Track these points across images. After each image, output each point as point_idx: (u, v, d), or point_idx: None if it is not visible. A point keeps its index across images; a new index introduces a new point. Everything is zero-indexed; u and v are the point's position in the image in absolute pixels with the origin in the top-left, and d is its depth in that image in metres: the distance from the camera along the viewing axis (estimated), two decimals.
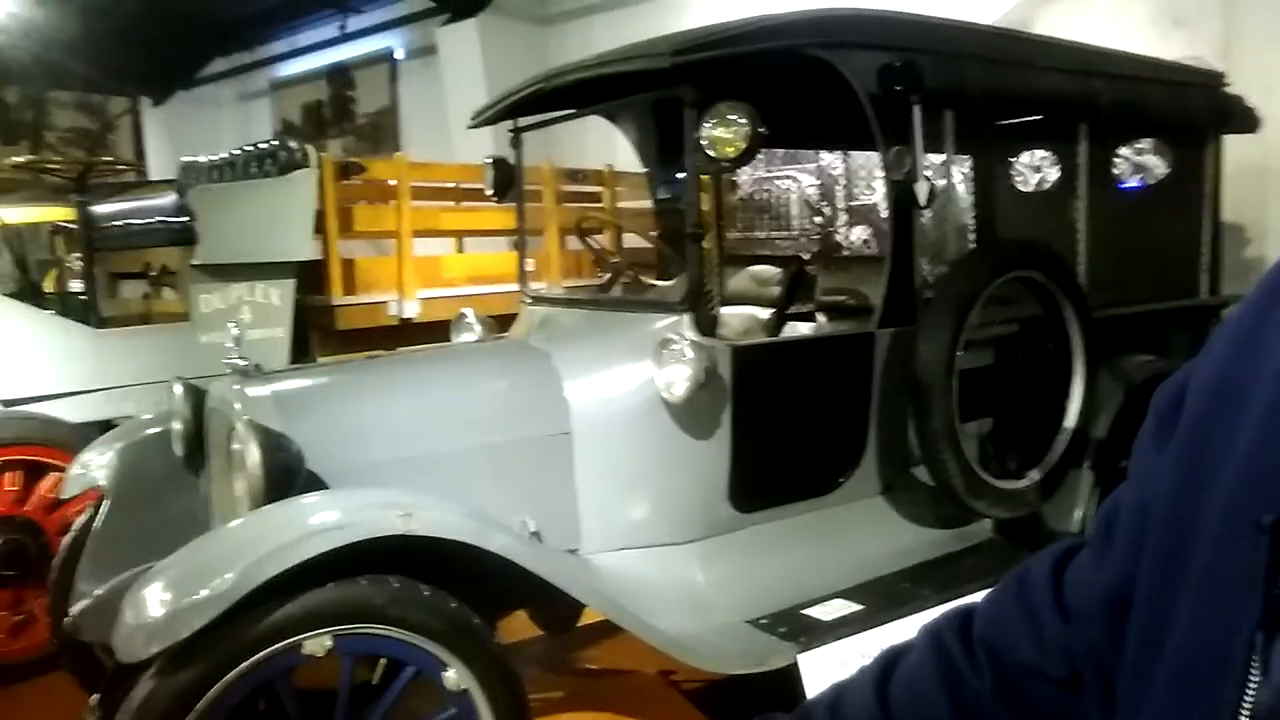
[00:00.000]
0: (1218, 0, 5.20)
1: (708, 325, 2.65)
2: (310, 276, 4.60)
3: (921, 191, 2.91)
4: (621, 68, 2.68)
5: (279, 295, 4.47)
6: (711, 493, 2.78)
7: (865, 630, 2.64)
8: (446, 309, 4.85)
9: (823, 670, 2.56)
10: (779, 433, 2.86)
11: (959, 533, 3.25)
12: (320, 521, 1.89)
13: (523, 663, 3.32)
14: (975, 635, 0.77)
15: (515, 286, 5.14)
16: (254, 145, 4.59)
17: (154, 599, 1.77)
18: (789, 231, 6.13)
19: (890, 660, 0.79)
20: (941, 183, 3.17)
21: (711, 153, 2.49)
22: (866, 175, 5.72)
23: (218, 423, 2.53)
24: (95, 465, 2.96)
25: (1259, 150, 4.54)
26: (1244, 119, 3.95)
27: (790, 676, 2.46)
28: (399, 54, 9.66)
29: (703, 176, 3.23)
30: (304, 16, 9.92)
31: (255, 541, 1.84)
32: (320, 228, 4.58)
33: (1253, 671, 0.44)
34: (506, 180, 3.50)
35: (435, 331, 4.74)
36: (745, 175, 6.46)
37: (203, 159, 4.83)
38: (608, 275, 3.54)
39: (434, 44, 8.43)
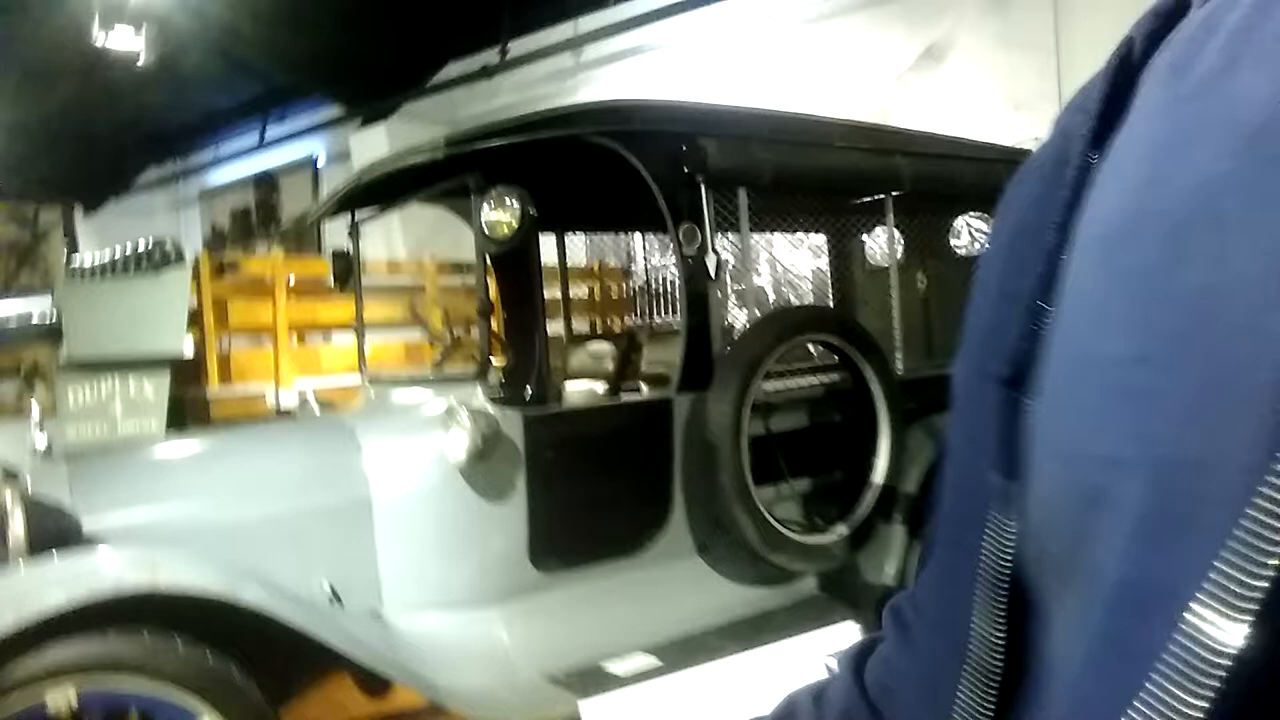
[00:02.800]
0: (1051, 86, 5.61)
1: (530, 394, 2.81)
2: (187, 369, 4.74)
3: (711, 264, 3.14)
4: (410, 161, 2.90)
5: (152, 389, 4.60)
6: (512, 554, 2.90)
7: (655, 679, 2.74)
8: (324, 398, 4.99)
9: (609, 718, 2.66)
10: (577, 495, 3.00)
11: (779, 591, 3.37)
12: (63, 574, 2.00)
13: None
14: None
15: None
16: (131, 244, 4.77)
17: None
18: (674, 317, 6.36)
19: (865, 645, 0.78)
20: (728, 258, 3.38)
21: (488, 233, 2.70)
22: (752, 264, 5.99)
23: None
24: None
25: None
26: None
27: None
28: (320, 160, 9.99)
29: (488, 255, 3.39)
30: (228, 125, 10.26)
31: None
32: (197, 322, 4.74)
33: (992, 515, 0.45)
34: (346, 271, 3.70)
35: None
36: (641, 264, 6.72)
37: (89, 261, 5.01)
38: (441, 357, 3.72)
39: (347, 150, 8.77)
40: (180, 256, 4.69)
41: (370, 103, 8.43)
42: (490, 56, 8.00)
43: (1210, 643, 0.29)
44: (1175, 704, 0.30)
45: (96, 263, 4.91)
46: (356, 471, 2.79)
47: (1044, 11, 5.65)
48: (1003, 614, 0.44)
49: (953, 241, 4.49)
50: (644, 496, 3.15)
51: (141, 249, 4.74)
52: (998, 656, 0.44)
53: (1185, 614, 0.30)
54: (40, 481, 2.42)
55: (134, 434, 4.54)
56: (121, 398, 4.57)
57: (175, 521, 2.51)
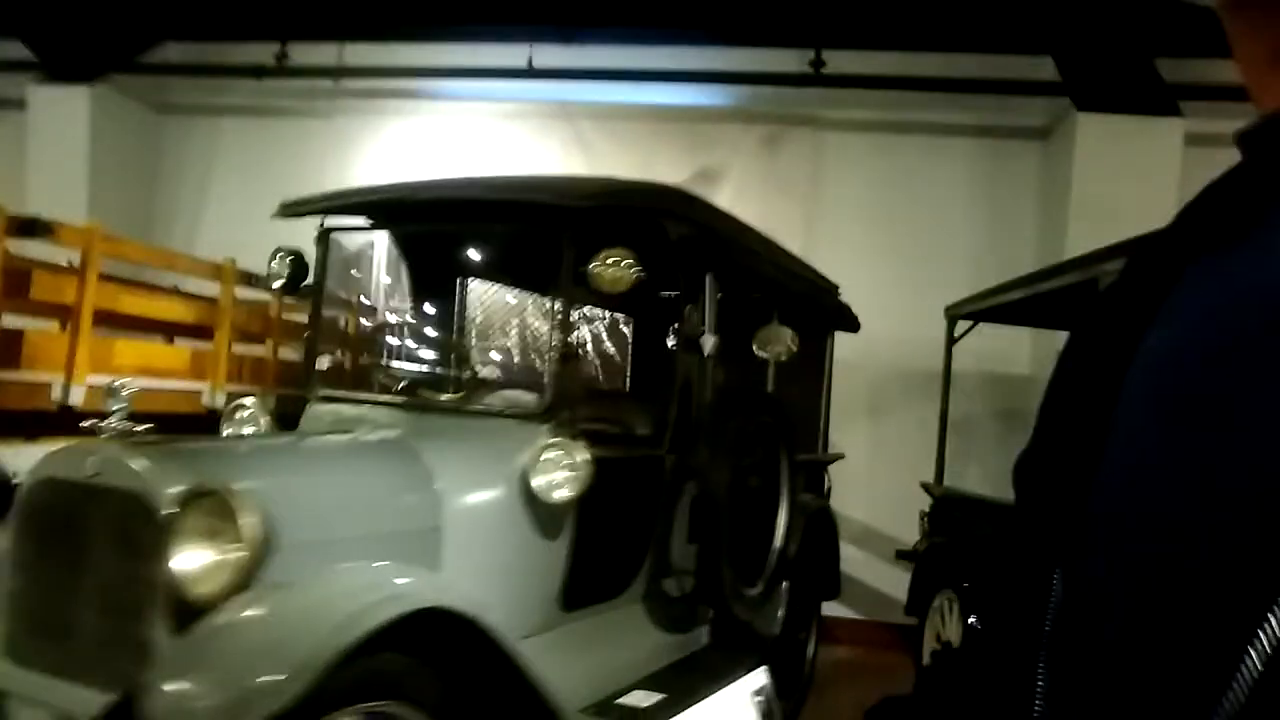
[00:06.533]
0: (803, 228, 6.72)
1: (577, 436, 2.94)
2: None
3: (707, 344, 3.54)
4: (528, 197, 2.98)
5: None
6: (549, 591, 3.00)
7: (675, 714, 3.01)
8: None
9: None
10: (601, 539, 3.18)
11: (686, 638, 3.74)
12: (374, 595, 1.87)
13: None
14: None
15: (182, 384, 4.82)
16: None
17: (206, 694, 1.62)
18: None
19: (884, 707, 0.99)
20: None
21: (598, 287, 2.88)
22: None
23: (85, 499, 2.19)
24: None
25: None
26: (852, 321, 5.26)
27: None
28: None
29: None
30: None
31: (320, 614, 1.76)
32: None
33: (1055, 587, 0.50)
34: (300, 275, 3.45)
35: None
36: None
37: None
38: (399, 384, 3.60)
39: (17, 98, 7.39)
40: None
41: (59, 56, 7.18)
42: (223, 51, 7.32)
43: None
44: None
45: None
46: (431, 498, 2.71)
47: (806, 163, 6.85)
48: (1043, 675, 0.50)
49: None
50: (634, 543, 3.40)
51: None
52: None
53: None
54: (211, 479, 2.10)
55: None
56: None
57: (306, 536, 2.28)
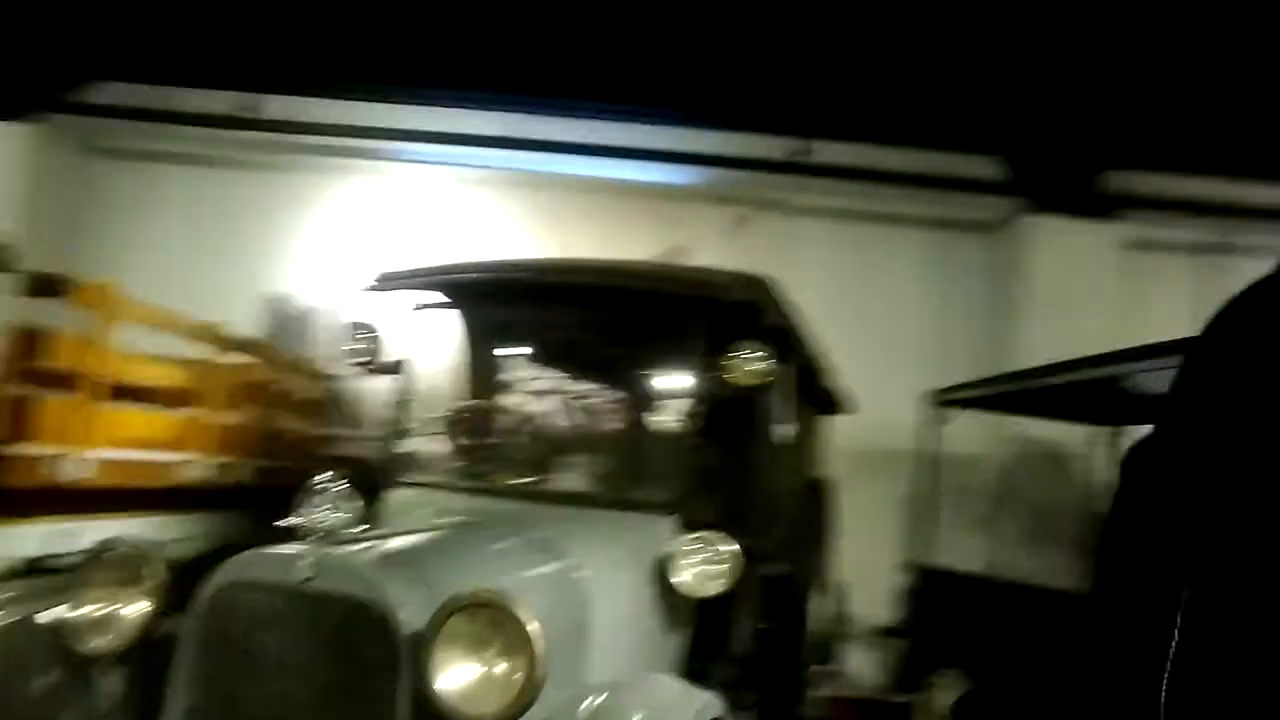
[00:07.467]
0: None
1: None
2: None
3: (783, 433, 3.61)
4: (666, 288, 3.01)
5: None
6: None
7: None
8: (121, 473, 4.07)
9: None
10: (705, 626, 3.15)
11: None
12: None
13: None
14: None
15: (172, 455, 4.54)
16: None
17: None
18: None
19: None
20: None
21: (733, 380, 2.92)
22: None
23: (294, 605, 2.03)
24: None
25: None
26: (848, 403, 5.43)
27: None
28: None
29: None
30: None
31: None
32: None
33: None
34: (378, 354, 3.33)
35: (113, 500, 3.93)
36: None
37: None
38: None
39: None
40: (12, 257, 3.55)
41: None
42: (168, 96, 6.91)
43: None
44: None
45: None
46: (579, 592, 2.64)
47: (773, 246, 7.05)
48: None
49: None
50: (719, 631, 3.36)
51: None
52: None
53: None
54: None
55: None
56: None
57: None
